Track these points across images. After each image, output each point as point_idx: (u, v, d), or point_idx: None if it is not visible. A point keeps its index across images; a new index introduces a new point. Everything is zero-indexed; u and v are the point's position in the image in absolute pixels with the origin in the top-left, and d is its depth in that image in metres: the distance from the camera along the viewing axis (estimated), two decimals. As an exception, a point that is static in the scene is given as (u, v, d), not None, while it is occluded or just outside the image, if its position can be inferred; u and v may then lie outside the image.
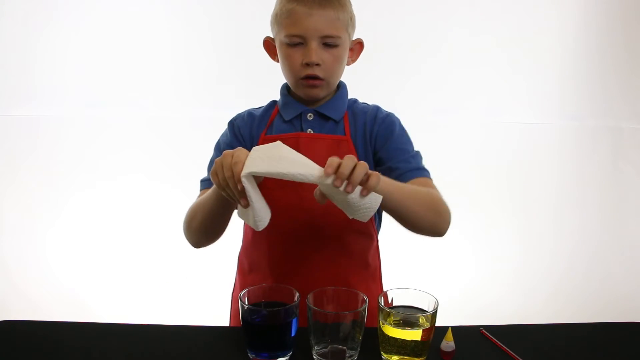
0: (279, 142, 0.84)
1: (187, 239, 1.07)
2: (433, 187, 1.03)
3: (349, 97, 1.15)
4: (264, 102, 1.17)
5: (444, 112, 2.16)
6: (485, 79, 2.14)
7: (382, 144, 1.07)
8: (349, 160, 0.77)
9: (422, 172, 1.05)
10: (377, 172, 0.80)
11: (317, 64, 1.02)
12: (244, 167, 0.80)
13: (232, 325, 1.19)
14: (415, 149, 1.10)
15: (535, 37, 2.12)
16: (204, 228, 1.02)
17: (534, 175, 2.26)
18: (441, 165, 2.14)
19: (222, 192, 0.85)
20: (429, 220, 0.97)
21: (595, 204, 2.26)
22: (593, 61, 2.14)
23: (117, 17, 2.05)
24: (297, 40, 1.01)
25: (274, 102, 1.15)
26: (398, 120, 1.12)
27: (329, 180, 0.77)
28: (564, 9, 2.11)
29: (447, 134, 2.18)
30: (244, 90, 1.92)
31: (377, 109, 1.13)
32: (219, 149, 1.13)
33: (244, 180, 0.79)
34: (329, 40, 1.01)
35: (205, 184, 1.10)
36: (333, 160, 0.77)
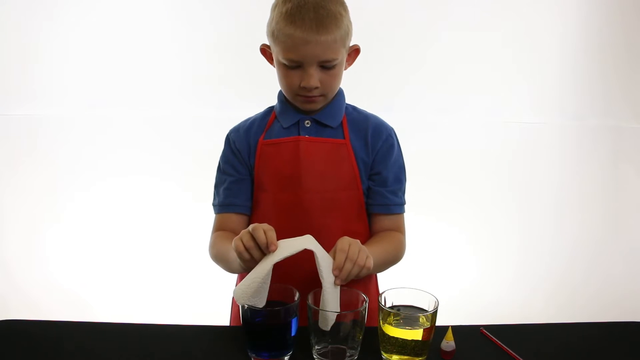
0: (307, 236, 0.92)
1: None
2: (403, 226, 1.15)
3: (348, 102, 1.15)
4: (266, 102, 1.17)
5: (445, 112, 2.16)
6: (486, 78, 2.13)
7: (380, 161, 1.11)
8: (357, 269, 0.90)
9: (402, 208, 1.14)
10: (369, 265, 0.92)
11: (316, 87, 1.03)
12: (277, 254, 0.88)
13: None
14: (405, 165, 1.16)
15: (536, 37, 2.11)
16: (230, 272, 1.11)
17: (534, 174, 2.26)
18: (442, 164, 2.17)
19: (243, 254, 0.90)
20: (385, 270, 1.12)
21: (595, 203, 2.26)
22: (593, 60, 2.14)
23: (118, 16, 2.05)
24: (294, 64, 1.01)
25: (271, 108, 1.16)
26: (397, 140, 1.14)
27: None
28: (564, 8, 2.10)
29: (448, 134, 2.18)
30: (245, 90, 1.93)
31: (381, 121, 1.14)
32: (221, 170, 1.16)
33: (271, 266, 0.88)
34: (326, 64, 1.02)
35: (218, 208, 1.15)
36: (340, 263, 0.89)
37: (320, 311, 0.88)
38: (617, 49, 2.12)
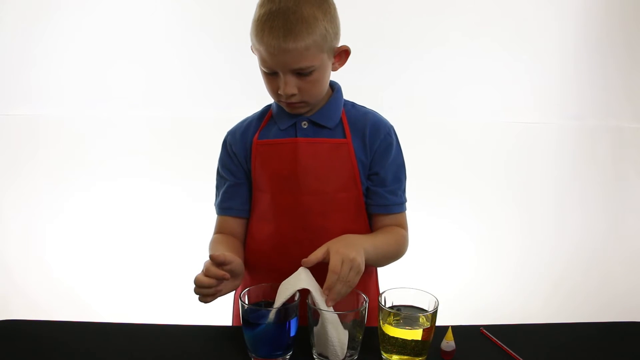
0: (301, 269, 0.92)
1: None
2: (405, 223, 1.13)
3: (347, 98, 1.13)
4: (267, 103, 1.17)
5: (445, 112, 2.16)
6: (486, 78, 2.13)
7: (378, 160, 1.08)
8: (346, 288, 0.90)
9: (402, 207, 1.13)
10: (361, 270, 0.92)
11: (293, 94, 1.00)
12: (277, 300, 0.89)
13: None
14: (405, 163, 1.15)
15: (536, 36, 2.11)
16: None
17: (534, 174, 2.26)
18: (442, 164, 2.18)
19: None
20: (387, 264, 1.11)
21: (595, 203, 2.26)
22: (594, 61, 2.14)
23: (118, 17, 2.05)
24: (271, 71, 0.99)
25: (268, 107, 1.14)
26: (396, 138, 1.12)
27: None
28: (564, 7, 2.11)
29: (447, 133, 2.18)
30: (247, 90, 1.91)
31: (379, 118, 1.11)
32: (219, 173, 1.16)
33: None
34: (302, 71, 0.98)
35: (217, 210, 1.15)
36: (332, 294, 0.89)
37: (327, 342, 0.87)
38: (617, 49, 2.12)
